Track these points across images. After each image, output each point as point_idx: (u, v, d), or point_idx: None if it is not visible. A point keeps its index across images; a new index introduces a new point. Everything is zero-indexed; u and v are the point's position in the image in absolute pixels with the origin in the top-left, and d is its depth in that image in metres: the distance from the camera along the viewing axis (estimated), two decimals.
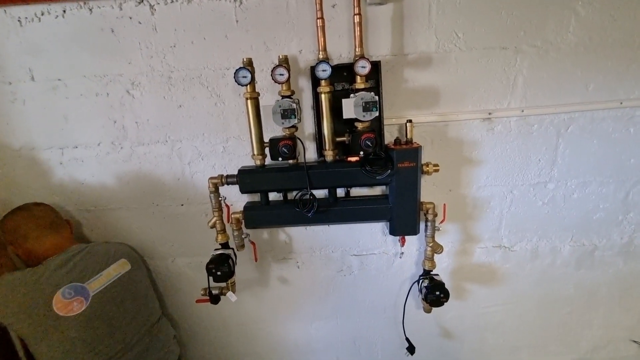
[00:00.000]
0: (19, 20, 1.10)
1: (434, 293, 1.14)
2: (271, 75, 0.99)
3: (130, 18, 1.09)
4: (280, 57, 1.04)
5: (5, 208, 1.20)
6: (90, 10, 1.09)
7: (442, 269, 1.29)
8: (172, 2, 1.08)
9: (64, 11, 1.09)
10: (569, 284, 1.37)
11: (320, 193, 1.17)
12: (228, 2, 1.08)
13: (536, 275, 1.35)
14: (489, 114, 1.15)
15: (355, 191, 1.22)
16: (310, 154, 1.18)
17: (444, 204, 1.18)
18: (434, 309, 1.22)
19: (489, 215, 1.26)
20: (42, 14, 1.09)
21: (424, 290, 1.17)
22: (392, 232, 1.16)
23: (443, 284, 1.15)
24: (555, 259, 1.33)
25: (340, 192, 1.20)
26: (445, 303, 1.15)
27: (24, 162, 1.23)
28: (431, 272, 1.21)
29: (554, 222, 1.27)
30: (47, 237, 1.08)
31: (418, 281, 1.22)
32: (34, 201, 1.18)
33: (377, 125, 1.10)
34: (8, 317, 0.95)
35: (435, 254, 1.19)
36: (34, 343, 0.97)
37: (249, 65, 1.02)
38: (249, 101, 1.04)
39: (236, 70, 0.99)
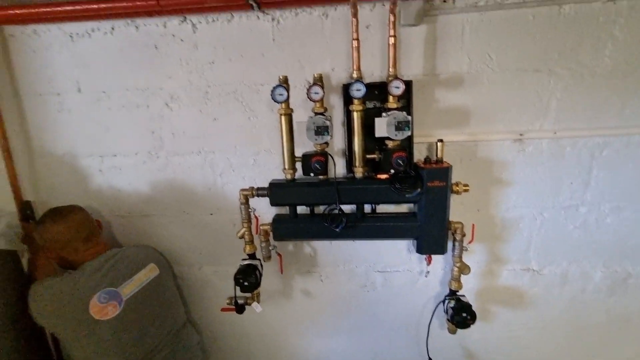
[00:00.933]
0: (70, 36, 1.18)
1: (461, 314, 1.13)
2: (307, 93, 1.02)
3: (173, 35, 1.15)
4: (315, 75, 1.07)
5: (45, 210, 1.26)
6: (137, 27, 1.16)
7: (468, 290, 1.27)
8: (213, 21, 1.13)
9: (112, 28, 1.16)
10: (600, 310, 1.32)
11: (346, 208, 1.18)
12: (266, 22, 1.12)
13: (566, 301, 1.31)
14: (521, 135, 1.14)
15: (382, 208, 1.23)
16: (339, 169, 1.20)
17: (473, 224, 1.17)
18: (459, 330, 1.20)
19: (517, 237, 1.25)
20: (93, 31, 1.17)
21: (450, 311, 1.16)
22: (420, 250, 1.16)
23: (470, 305, 1.14)
24: (586, 284, 1.29)
25: (367, 208, 1.21)
26: (471, 325, 1.14)
27: (66, 168, 1.30)
28: (457, 293, 1.19)
29: (586, 246, 1.24)
30: (82, 247, 1.11)
31: (444, 301, 1.21)
32: (71, 205, 1.20)
33: (407, 144, 1.11)
34: (48, 319, 1.00)
35: (462, 275, 1.18)
36: (70, 345, 1.01)
37: (285, 83, 1.05)
38: (283, 117, 1.07)
39: (273, 87, 1.02)
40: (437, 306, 1.26)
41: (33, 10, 1.05)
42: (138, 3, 1.02)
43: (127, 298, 1.07)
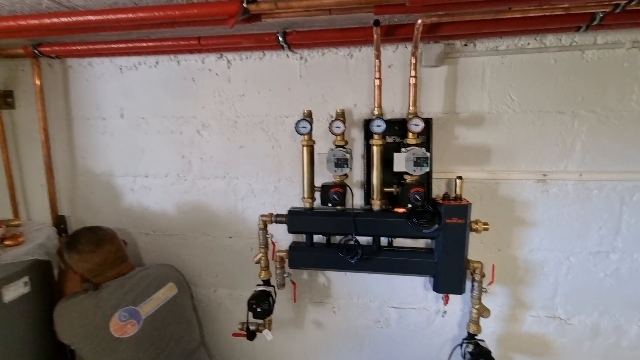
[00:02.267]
0: (120, 68, 1.32)
1: None
2: (329, 127, 1.07)
3: (210, 70, 1.26)
4: (338, 111, 1.12)
5: (80, 225, 1.35)
6: (178, 62, 1.27)
7: (488, 334, 1.21)
8: (247, 58, 1.23)
9: (157, 62, 1.29)
10: None
11: (363, 240, 1.18)
12: (295, 60, 1.20)
13: (598, 355, 1.21)
14: (544, 175, 1.12)
15: (399, 242, 1.22)
16: (357, 200, 1.22)
17: (493, 265, 1.13)
18: None
19: (542, 281, 1.19)
20: (140, 64, 1.30)
21: (467, 356, 1.10)
22: (436, 288, 1.13)
23: (489, 351, 1.08)
24: (620, 339, 1.19)
25: (383, 241, 1.20)
26: None
27: (103, 186, 1.40)
28: (476, 337, 1.13)
29: (619, 297, 1.16)
30: (109, 272, 1.15)
31: (461, 345, 1.15)
32: (104, 227, 1.23)
33: (425, 179, 1.12)
34: (72, 337, 1.04)
35: (481, 318, 1.13)
36: None
37: (308, 116, 1.11)
38: (305, 148, 1.12)
39: (297, 121, 1.08)
40: (453, 349, 1.19)
41: (92, 47, 1.19)
42: (181, 42, 1.14)
43: (146, 317, 1.10)
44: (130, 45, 1.16)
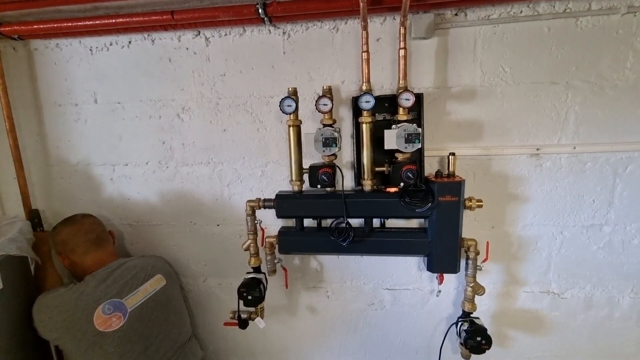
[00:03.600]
0: (90, 49, 1.23)
1: (475, 339, 1.06)
2: (315, 105, 1.02)
3: (187, 49, 1.18)
4: (325, 87, 1.07)
5: (57, 218, 1.28)
6: (153, 41, 1.19)
7: (482, 312, 1.20)
8: (225, 35, 1.16)
9: (130, 42, 1.20)
10: (628, 340, 1.22)
11: (355, 222, 1.15)
12: (277, 36, 1.14)
13: (590, 327, 1.22)
14: (537, 149, 1.10)
15: (391, 222, 1.19)
16: (347, 182, 1.18)
17: (487, 242, 1.11)
18: (473, 355, 1.13)
19: (535, 256, 1.18)
20: (111, 44, 1.21)
21: (463, 334, 1.09)
22: (430, 268, 1.11)
23: (485, 329, 1.07)
24: (613, 311, 1.20)
25: (376, 222, 1.17)
26: (487, 350, 1.06)
27: (79, 176, 1.32)
28: (471, 315, 1.13)
29: (611, 269, 1.16)
30: (92, 252, 1.12)
31: (457, 323, 1.14)
32: (83, 213, 1.24)
33: (417, 157, 1.08)
34: (53, 332, 0.99)
35: (476, 295, 1.11)
36: (74, 357, 0.99)
37: (294, 94, 1.05)
38: (291, 128, 1.07)
39: (282, 99, 1.02)
40: (449, 328, 1.19)
41: (56, 25, 1.09)
42: (153, 17, 1.06)
43: (132, 309, 1.05)
44: (98, 22, 1.08)
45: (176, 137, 1.25)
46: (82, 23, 1.08)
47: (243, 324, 1.19)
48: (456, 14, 1.06)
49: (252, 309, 1.20)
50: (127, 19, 1.07)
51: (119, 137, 1.27)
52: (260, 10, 1.01)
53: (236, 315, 1.19)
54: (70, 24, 1.09)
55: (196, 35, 1.17)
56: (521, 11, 1.03)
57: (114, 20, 1.07)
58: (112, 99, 1.25)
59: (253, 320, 1.20)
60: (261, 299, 1.14)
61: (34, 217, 1.26)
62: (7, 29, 1.12)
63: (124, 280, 1.09)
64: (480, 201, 1.05)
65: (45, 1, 1.04)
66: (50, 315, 0.99)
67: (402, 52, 1.01)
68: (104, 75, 1.24)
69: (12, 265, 0.98)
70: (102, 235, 1.17)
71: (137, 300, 1.08)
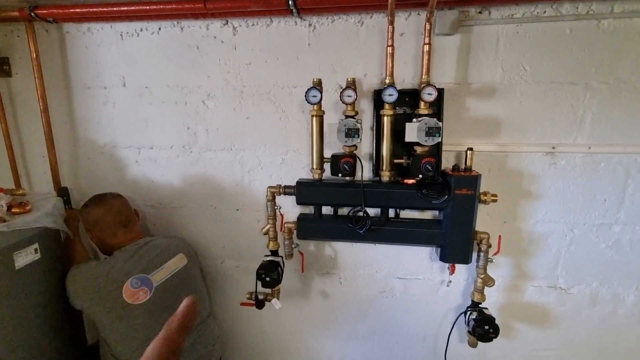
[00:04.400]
0: (120, 35, 1.27)
1: (483, 327, 1.10)
2: (340, 96, 1.05)
3: (215, 37, 1.22)
4: (349, 79, 1.10)
5: (83, 197, 1.34)
6: (182, 29, 1.23)
7: (490, 303, 1.24)
8: (253, 25, 1.19)
9: (159, 29, 1.24)
10: (631, 336, 1.26)
11: (370, 212, 1.18)
12: (303, 27, 1.17)
13: (594, 323, 1.26)
14: (553, 148, 1.13)
15: (406, 214, 1.23)
16: (365, 173, 1.21)
17: (499, 235, 1.15)
18: (479, 344, 1.17)
19: (545, 252, 1.21)
20: (141, 30, 1.25)
21: (471, 323, 1.13)
22: (443, 258, 1.15)
23: (493, 318, 1.11)
24: (617, 307, 1.23)
25: (391, 213, 1.21)
26: (494, 339, 1.11)
27: (106, 157, 1.37)
28: (480, 305, 1.17)
29: (618, 267, 1.20)
30: (120, 232, 1.17)
31: (465, 312, 1.19)
32: (112, 193, 1.26)
33: (435, 151, 1.11)
34: (85, 302, 1.05)
35: (485, 287, 1.16)
36: (105, 327, 1.06)
37: (318, 85, 1.09)
38: (314, 118, 1.10)
39: (307, 89, 1.06)
40: (458, 317, 1.23)
41: (91, 10, 1.13)
42: (186, 5, 1.09)
43: (157, 285, 1.11)
44: (131, 8, 1.11)
45: (200, 123, 1.29)
46: (116, 8, 1.12)
47: (260, 304, 1.24)
48: (480, 12, 1.08)
49: (268, 291, 1.25)
50: (160, 6, 1.10)
51: (145, 120, 1.32)
52: (290, 2, 1.04)
53: (253, 296, 1.24)
54: (104, 9, 1.13)
55: (224, 25, 1.20)
56: (544, 11, 1.05)
57: (147, 7, 1.11)
58: (140, 83, 1.29)
59: (269, 301, 1.25)
60: (278, 281, 1.19)
61: (63, 194, 1.31)
62: (43, 11, 1.16)
63: (150, 257, 1.15)
64: (495, 196, 1.09)
65: None
66: (83, 286, 1.04)
67: (426, 47, 1.03)
68: (133, 60, 1.28)
69: (48, 237, 1.04)
70: (130, 217, 1.21)
71: (162, 277, 1.13)
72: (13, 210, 1.02)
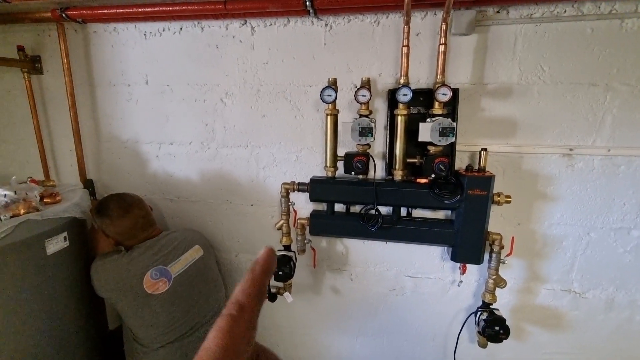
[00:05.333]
0: (144, 34, 1.32)
1: (493, 328, 1.10)
2: (354, 96, 1.07)
3: (234, 37, 1.25)
4: (364, 79, 1.11)
5: (107, 190, 1.41)
6: (202, 29, 1.27)
7: (502, 305, 1.24)
8: (270, 25, 1.22)
9: (181, 28, 1.28)
10: None
11: (382, 210, 1.20)
12: (319, 27, 1.19)
13: (609, 329, 1.23)
14: (570, 150, 1.11)
15: (417, 213, 1.24)
16: (378, 171, 1.23)
17: (512, 237, 1.15)
18: (489, 345, 1.17)
19: (560, 255, 1.20)
20: (164, 30, 1.30)
21: (481, 323, 1.14)
22: (454, 258, 1.15)
23: (504, 319, 1.11)
24: (634, 314, 1.21)
25: (403, 212, 1.22)
26: (504, 340, 1.11)
27: (128, 152, 1.43)
28: (491, 306, 1.17)
29: (637, 273, 1.17)
30: (140, 235, 1.20)
31: (476, 313, 1.19)
32: (131, 193, 1.26)
33: (449, 151, 1.12)
34: (108, 292, 1.11)
35: (497, 288, 1.15)
36: (128, 315, 1.12)
37: (334, 84, 1.10)
38: (329, 117, 1.12)
39: (323, 88, 1.08)
40: (468, 317, 1.23)
41: (118, 11, 1.19)
42: (207, 6, 1.13)
43: (176, 275, 1.16)
44: (156, 9, 1.16)
45: (218, 120, 1.33)
46: (141, 10, 1.17)
47: (272, 297, 1.27)
48: (498, 12, 1.07)
49: (281, 284, 1.29)
50: (183, 7, 1.14)
51: (166, 117, 1.37)
52: (307, 3, 1.06)
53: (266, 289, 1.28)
54: (130, 10, 1.18)
55: (243, 24, 1.24)
56: (565, 11, 1.04)
57: (170, 8, 1.15)
58: (162, 81, 1.34)
59: (281, 294, 1.29)
60: (291, 275, 1.22)
61: (88, 186, 1.38)
62: (74, 12, 1.22)
63: (168, 249, 1.20)
64: (509, 197, 1.08)
65: None
66: (106, 278, 1.10)
67: (442, 47, 1.04)
68: (155, 59, 1.33)
69: (76, 227, 1.10)
70: (149, 220, 1.24)
71: (180, 268, 1.18)
72: (45, 200, 1.08)
